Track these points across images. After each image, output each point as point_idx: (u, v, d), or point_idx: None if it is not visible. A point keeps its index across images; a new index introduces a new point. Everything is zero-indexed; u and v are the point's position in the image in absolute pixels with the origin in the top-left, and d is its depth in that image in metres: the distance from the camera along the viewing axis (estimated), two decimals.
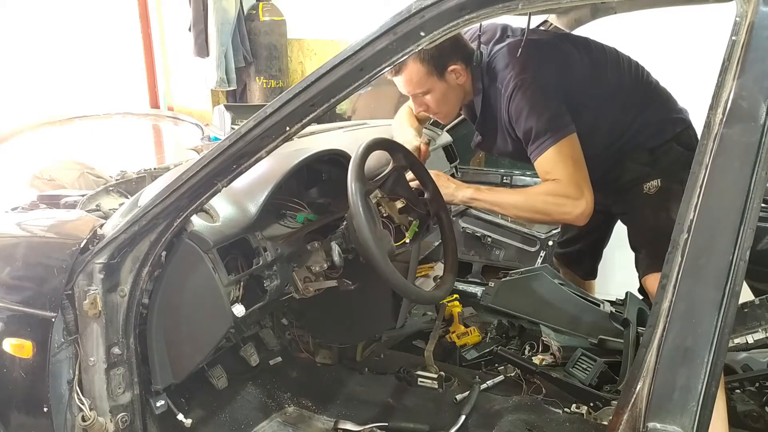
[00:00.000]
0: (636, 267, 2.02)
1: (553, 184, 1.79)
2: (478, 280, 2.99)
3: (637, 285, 2.40)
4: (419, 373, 2.07)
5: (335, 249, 1.70)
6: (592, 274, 2.56)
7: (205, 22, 5.35)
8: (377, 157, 1.75)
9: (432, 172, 1.88)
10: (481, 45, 1.96)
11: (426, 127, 2.92)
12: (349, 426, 1.88)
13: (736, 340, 1.96)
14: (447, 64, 1.88)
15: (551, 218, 1.90)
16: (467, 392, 1.99)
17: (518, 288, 2.37)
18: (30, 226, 1.74)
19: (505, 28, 2.05)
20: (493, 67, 1.91)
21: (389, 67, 1.23)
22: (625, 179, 1.97)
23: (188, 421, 1.68)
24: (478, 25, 1.97)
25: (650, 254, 1.94)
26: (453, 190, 1.90)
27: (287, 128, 1.31)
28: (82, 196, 1.97)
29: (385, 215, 1.73)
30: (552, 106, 1.80)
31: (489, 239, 3.28)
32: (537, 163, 1.83)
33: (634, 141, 1.93)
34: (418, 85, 1.90)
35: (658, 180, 1.92)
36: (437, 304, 2.35)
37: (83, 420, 1.48)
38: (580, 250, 2.49)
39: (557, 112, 1.80)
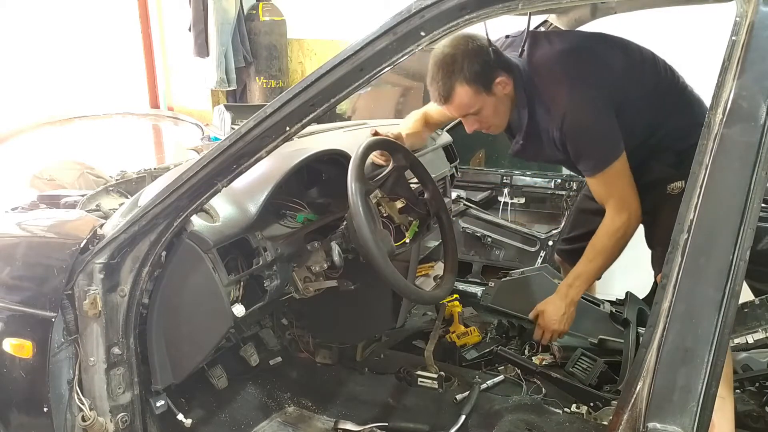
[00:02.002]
0: (652, 265, 2.02)
1: (609, 223, 1.94)
2: (478, 280, 2.99)
3: (637, 285, 2.40)
4: (419, 373, 2.07)
5: (335, 249, 1.70)
6: None
7: (205, 22, 5.35)
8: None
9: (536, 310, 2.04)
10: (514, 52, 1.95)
11: None
12: (349, 426, 1.88)
13: (736, 340, 1.96)
14: (493, 78, 1.84)
15: (628, 241, 2.01)
16: (467, 392, 1.99)
17: (518, 288, 2.37)
18: (30, 226, 1.74)
19: (534, 33, 2.04)
20: (537, 78, 1.88)
21: (389, 67, 1.23)
22: (648, 179, 1.97)
23: (188, 421, 1.68)
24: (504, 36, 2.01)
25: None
26: (564, 300, 2.03)
27: (287, 128, 1.31)
28: (82, 196, 1.97)
29: (385, 215, 1.73)
30: (605, 128, 1.85)
31: (489, 239, 3.28)
32: (590, 182, 1.98)
33: (663, 142, 1.94)
34: (469, 106, 1.87)
35: (683, 182, 1.92)
36: (437, 304, 2.35)
37: (83, 420, 1.48)
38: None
39: (610, 133, 1.85)
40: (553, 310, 2.03)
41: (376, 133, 1.90)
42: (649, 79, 1.95)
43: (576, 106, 1.82)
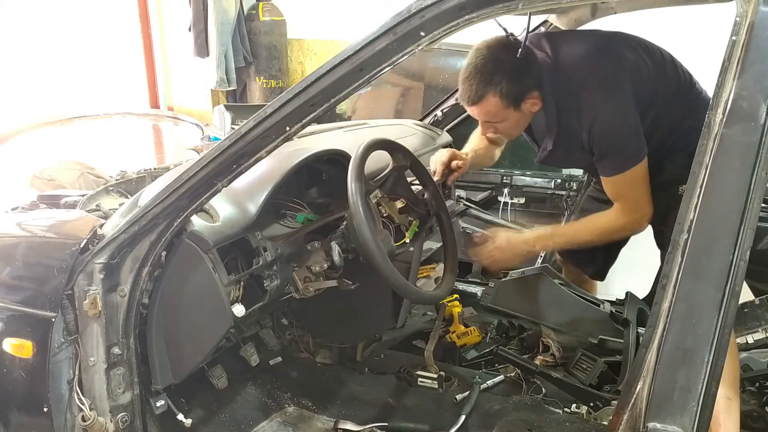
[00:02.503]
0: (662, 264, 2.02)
1: (618, 215, 1.94)
2: (478, 280, 2.99)
3: (637, 285, 2.40)
4: (419, 373, 2.07)
5: (335, 249, 1.70)
6: (602, 274, 2.51)
7: (205, 22, 5.36)
8: (377, 157, 1.75)
9: (492, 231, 1.97)
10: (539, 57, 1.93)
11: (427, 127, 2.92)
12: (349, 426, 1.88)
13: (737, 340, 1.96)
14: (525, 97, 1.85)
15: (620, 239, 2.05)
16: (467, 392, 1.99)
17: (518, 288, 2.37)
18: (30, 226, 1.74)
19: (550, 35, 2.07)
20: (566, 83, 1.89)
21: (389, 67, 1.23)
22: (662, 179, 1.96)
23: (188, 421, 1.68)
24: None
25: None
26: (526, 246, 2.01)
27: (287, 128, 1.31)
28: (82, 196, 1.97)
29: (385, 215, 1.73)
30: (632, 131, 1.86)
31: None
32: (606, 181, 1.95)
33: (678, 143, 1.94)
34: (495, 116, 1.89)
35: None
36: (437, 304, 2.35)
37: (83, 420, 1.48)
38: (594, 249, 2.45)
39: (636, 137, 1.86)
40: (510, 245, 1.98)
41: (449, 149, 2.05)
42: (672, 80, 1.95)
43: (605, 110, 1.84)
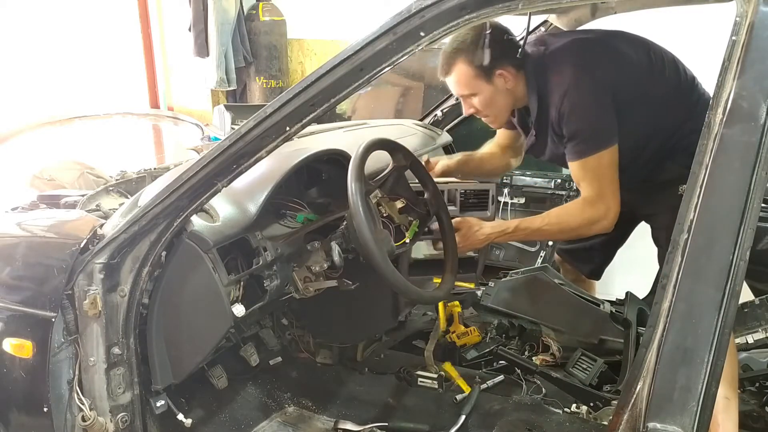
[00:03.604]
0: (659, 264, 2.01)
1: (582, 205, 1.89)
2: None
3: (637, 285, 2.40)
4: (419, 373, 2.07)
5: (335, 249, 1.70)
6: (598, 273, 2.52)
7: (205, 22, 5.35)
8: (377, 157, 1.75)
9: (455, 220, 1.93)
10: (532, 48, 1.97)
11: (427, 127, 2.92)
12: (349, 426, 1.88)
13: (737, 340, 1.96)
14: (495, 68, 1.89)
15: (584, 236, 2.00)
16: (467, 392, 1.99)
17: (518, 288, 2.37)
18: (30, 226, 1.74)
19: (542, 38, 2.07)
20: (549, 68, 1.91)
21: (389, 67, 1.23)
22: (663, 179, 1.96)
23: (188, 421, 1.68)
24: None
25: None
26: (492, 237, 1.96)
27: (287, 128, 1.31)
28: (82, 196, 1.97)
29: (385, 215, 1.73)
30: (601, 114, 1.84)
31: None
32: (572, 165, 1.90)
33: (680, 143, 1.93)
34: (466, 86, 1.93)
35: None
36: (437, 304, 2.35)
37: (83, 420, 1.48)
38: (591, 248, 2.46)
39: (605, 121, 1.84)
40: (470, 233, 1.95)
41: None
42: (671, 80, 1.95)
43: (576, 89, 1.83)
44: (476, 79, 1.90)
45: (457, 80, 1.93)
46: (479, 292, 2.53)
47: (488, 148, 2.36)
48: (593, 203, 1.86)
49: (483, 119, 2.07)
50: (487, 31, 1.85)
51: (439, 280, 1.90)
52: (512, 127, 2.22)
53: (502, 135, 2.32)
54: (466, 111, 2.05)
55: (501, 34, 1.90)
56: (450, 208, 2.06)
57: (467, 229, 1.95)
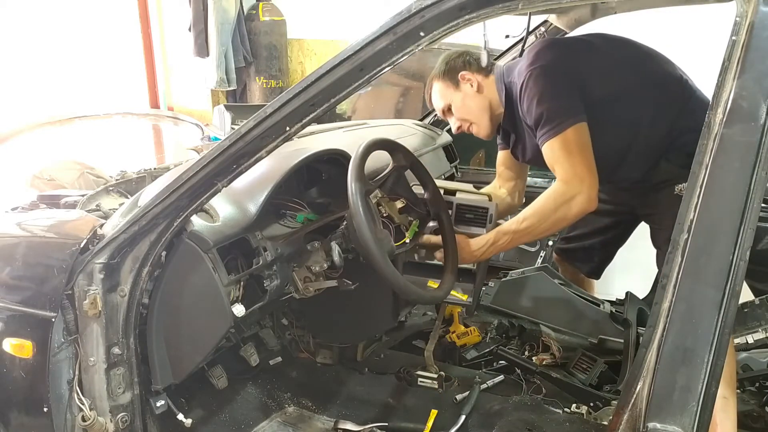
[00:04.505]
0: (657, 265, 2.01)
1: (554, 187, 1.84)
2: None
3: (637, 285, 2.40)
4: (419, 373, 2.07)
5: (335, 249, 1.70)
6: (597, 273, 2.52)
7: (205, 22, 5.35)
8: (377, 157, 1.75)
9: (461, 242, 1.89)
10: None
11: (427, 127, 2.92)
12: (349, 426, 1.88)
13: (736, 340, 1.96)
14: (457, 73, 2.02)
15: (570, 220, 1.88)
16: (467, 392, 1.99)
17: (518, 288, 2.37)
18: (30, 226, 1.74)
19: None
20: (513, 69, 2.00)
21: (389, 67, 1.23)
22: (658, 179, 1.96)
23: (188, 421, 1.68)
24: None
25: None
26: (477, 248, 1.89)
27: (287, 128, 1.31)
28: (82, 196, 1.97)
29: (385, 215, 1.73)
30: (562, 94, 1.84)
31: None
32: (544, 151, 1.87)
33: (675, 143, 1.93)
34: (441, 99, 2.09)
35: None
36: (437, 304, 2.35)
37: (83, 420, 1.48)
38: (591, 247, 2.45)
39: (567, 99, 1.84)
40: (464, 255, 1.90)
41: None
42: (657, 75, 1.95)
43: (533, 77, 1.86)
44: (446, 89, 2.06)
45: (434, 98, 2.11)
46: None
47: (490, 187, 2.31)
48: (567, 181, 1.81)
49: (472, 132, 2.12)
50: (483, 60, 2.00)
51: (434, 284, 1.90)
52: (504, 144, 2.22)
53: (500, 159, 2.28)
54: (454, 129, 2.15)
55: (464, 54, 2.06)
56: None
57: (465, 251, 1.91)
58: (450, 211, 1.93)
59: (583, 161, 1.81)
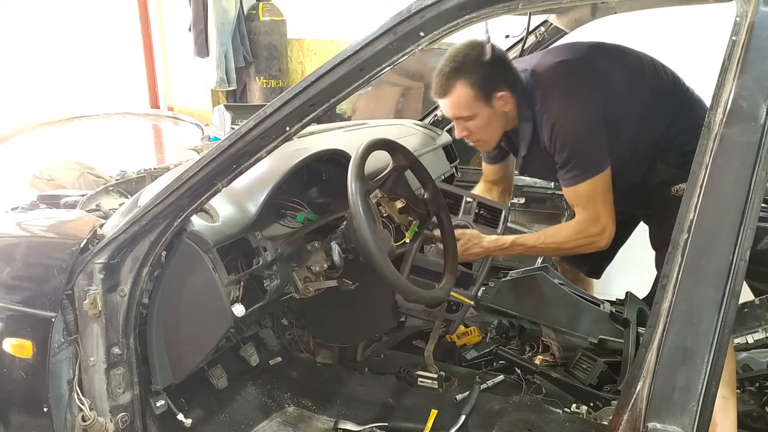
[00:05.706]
0: (656, 266, 2.02)
1: (576, 226, 1.92)
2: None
3: (637, 285, 2.40)
4: (419, 373, 2.07)
5: (335, 249, 1.70)
6: (598, 273, 2.52)
7: (205, 22, 5.36)
8: (377, 157, 1.75)
9: (457, 232, 1.91)
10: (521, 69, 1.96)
11: (427, 127, 2.92)
12: (349, 426, 1.88)
13: (736, 340, 1.96)
14: (495, 90, 1.85)
15: (580, 253, 2.03)
16: (467, 392, 1.99)
17: (518, 288, 2.37)
18: (30, 226, 1.74)
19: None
20: (537, 91, 1.90)
21: (389, 67, 1.23)
22: (654, 181, 1.97)
23: (188, 421, 1.68)
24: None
25: None
26: (491, 251, 1.98)
27: (287, 128, 1.31)
28: (82, 196, 1.97)
29: (385, 215, 1.73)
30: (592, 141, 1.84)
31: None
32: (567, 191, 1.93)
33: (671, 144, 1.93)
34: (465, 108, 1.88)
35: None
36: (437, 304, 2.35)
37: (83, 420, 1.48)
38: None
39: (596, 147, 1.84)
40: (476, 248, 1.96)
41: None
42: (652, 84, 1.95)
43: (567, 115, 1.84)
44: (476, 102, 1.86)
45: (456, 102, 1.87)
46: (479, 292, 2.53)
47: (479, 188, 2.35)
48: (588, 225, 1.89)
49: (472, 143, 2.02)
50: (488, 53, 1.83)
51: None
52: (496, 160, 2.24)
53: (488, 172, 2.31)
54: (458, 134, 1.98)
55: (500, 54, 1.89)
56: (466, 218, 2.11)
57: (466, 240, 1.96)
58: (470, 207, 2.09)
59: (605, 205, 1.87)
